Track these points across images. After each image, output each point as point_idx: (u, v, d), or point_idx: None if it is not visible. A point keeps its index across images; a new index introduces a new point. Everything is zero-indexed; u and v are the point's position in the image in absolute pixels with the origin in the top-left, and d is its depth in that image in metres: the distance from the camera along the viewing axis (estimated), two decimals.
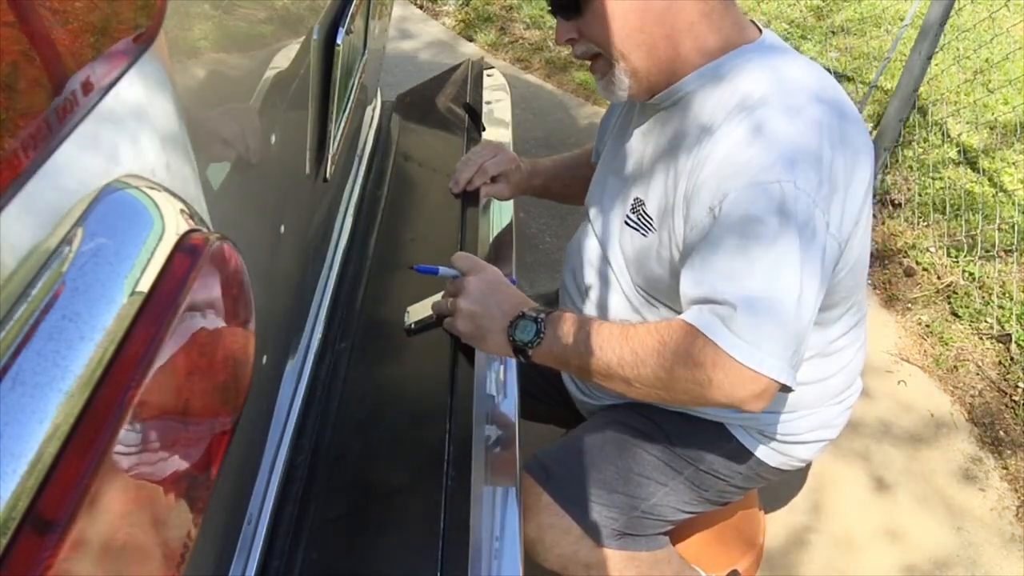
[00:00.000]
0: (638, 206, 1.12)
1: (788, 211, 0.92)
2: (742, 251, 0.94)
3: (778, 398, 1.08)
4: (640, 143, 1.16)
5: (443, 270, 1.10)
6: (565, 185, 1.49)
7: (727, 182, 0.96)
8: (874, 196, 2.65)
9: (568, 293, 1.30)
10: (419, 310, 1.17)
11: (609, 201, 1.21)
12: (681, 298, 1.02)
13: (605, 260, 1.20)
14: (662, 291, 1.12)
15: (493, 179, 1.44)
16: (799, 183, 0.93)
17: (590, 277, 1.24)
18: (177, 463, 0.50)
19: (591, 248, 1.24)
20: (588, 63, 1.12)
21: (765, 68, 1.02)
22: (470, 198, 1.42)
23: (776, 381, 0.94)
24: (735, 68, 1.03)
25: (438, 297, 1.15)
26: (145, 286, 0.45)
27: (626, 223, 1.15)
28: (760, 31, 1.09)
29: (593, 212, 1.26)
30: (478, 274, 1.08)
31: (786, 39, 3.56)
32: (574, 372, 1.05)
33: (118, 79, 0.48)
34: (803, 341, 0.96)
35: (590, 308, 1.24)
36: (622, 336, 1.00)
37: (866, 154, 1.03)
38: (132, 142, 0.50)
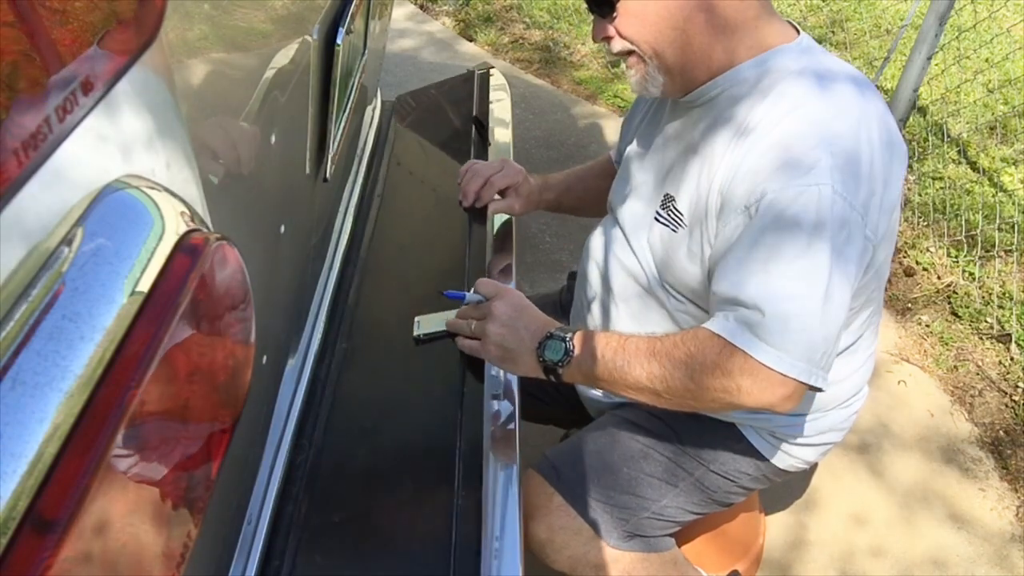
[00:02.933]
0: (668, 202, 1.12)
1: (825, 215, 0.93)
2: (775, 254, 0.95)
3: None
4: (672, 140, 1.16)
5: (469, 296, 1.13)
6: (578, 198, 1.49)
7: (765, 182, 0.96)
8: None
9: (590, 286, 1.29)
10: (430, 322, 1.17)
11: (638, 198, 1.20)
12: (710, 295, 1.03)
13: (632, 256, 1.20)
14: (691, 288, 1.12)
15: (501, 193, 1.45)
16: (837, 186, 0.93)
17: (614, 273, 1.24)
18: (177, 463, 0.50)
19: (616, 244, 1.24)
20: (605, 62, 1.12)
21: (804, 69, 1.02)
22: (478, 215, 1.42)
23: (804, 383, 0.96)
24: (773, 68, 1.03)
25: (451, 314, 1.16)
26: (145, 286, 0.45)
27: (656, 219, 1.14)
28: (798, 32, 1.09)
29: (619, 209, 1.25)
30: (503, 298, 1.10)
31: None
32: (604, 387, 1.07)
33: (118, 79, 0.48)
34: (832, 343, 0.97)
35: (613, 304, 1.24)
36: (649, 350, 1.02)
37: (901, 153, 1.04)
38: (132, 142, 0.50)
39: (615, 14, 1.05)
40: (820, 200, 0.93)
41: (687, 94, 1.10)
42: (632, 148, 1.28)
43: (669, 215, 1.12)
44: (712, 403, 1.02)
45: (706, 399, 1.00)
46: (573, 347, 1.05)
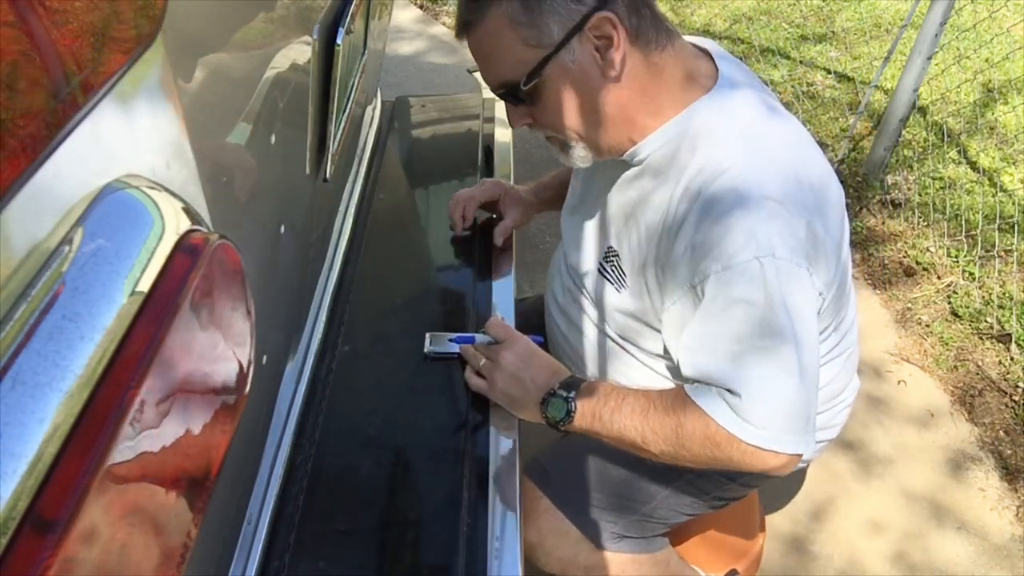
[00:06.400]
0: (612, 256, 1.12)
1: (771, 285, 0.92)
2: (735, 335, 0.94)
3: None
4: (611, 191, 1.13)
5: (479, 337, 1.16)
6: None
7: (704, 264, 0.94)
8: (873, 196, 2.66)
9: (552, 316, 1.30)
10: (441, 342, 1.19)
11: (584, 242, 1.19)
12: (681, 375, 1.02)
13: (589, 302, 1.20)
14: (644, 348, 1.14)
15: (490, 208, 1.46)
16: (778, 252, 0.91)
17: (569, 306, 1.25)
18: (177, 463, 0.50)
19: (571, 288, 1.24)
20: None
21: (724, 124, 0.99)
22: (483, 237, 1.43)
23: (794, 455, 0.96)
24: (692, 126, 1.00)
25: (466, 344, 1.17)
26: (145, 286, 0.45)
27: (600, 271, 1.14)
28: (716, 68, 1.04)
29: (568, 246, 1.24)
30: (512, 347, 1.11)
31: (785, 39, 3.56)
32: (605, 442, 1.08)
33: (118, 79, 0.48)
34: (814, 404, 0.97)
35: (574, 334, 1.24)
36: (643, 414, 1.02)
37: (836, 190, 1.03)
38: (132, 142, 0.50)
39: (531, 105, 1.02)
40: (764, 272, 0.91)
41: (619, 155, 1.07)
42: (579, 186, 1.25)
43: (613, 271, 1.11)
44: (708, 467, 1.02)
45: (701, 462, 1.01)
46: (575, 407, 1.05)
